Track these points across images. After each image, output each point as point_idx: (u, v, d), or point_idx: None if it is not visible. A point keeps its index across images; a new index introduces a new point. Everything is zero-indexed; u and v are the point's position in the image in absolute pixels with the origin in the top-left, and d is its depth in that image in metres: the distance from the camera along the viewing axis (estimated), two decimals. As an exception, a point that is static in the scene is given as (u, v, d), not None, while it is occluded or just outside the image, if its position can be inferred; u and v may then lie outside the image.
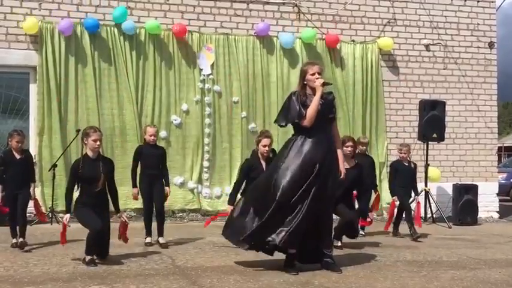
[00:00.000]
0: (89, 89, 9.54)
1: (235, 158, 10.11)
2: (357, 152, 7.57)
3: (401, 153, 8.39)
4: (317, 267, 5.56)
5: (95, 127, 6.10)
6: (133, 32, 9.70)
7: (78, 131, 8.26)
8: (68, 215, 5.78)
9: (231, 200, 6.57)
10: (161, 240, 6.96)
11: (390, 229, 8.28)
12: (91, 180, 5.79)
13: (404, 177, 8.26)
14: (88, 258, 5.65)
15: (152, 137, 7.05)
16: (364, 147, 8.24)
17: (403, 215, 8.23)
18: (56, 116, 9.33)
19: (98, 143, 5.89)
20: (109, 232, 5.95)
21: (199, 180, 9.93)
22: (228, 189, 8.85)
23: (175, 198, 9.53)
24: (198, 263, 5.86)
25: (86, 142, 5.90)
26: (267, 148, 6.61)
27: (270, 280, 5.11)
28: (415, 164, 8.53)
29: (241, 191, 6.66)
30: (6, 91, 9.64)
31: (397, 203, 8.24)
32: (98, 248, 5.82)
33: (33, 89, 9.62)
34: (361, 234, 7.63)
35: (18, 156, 6.71)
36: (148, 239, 6.99)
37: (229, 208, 6.42)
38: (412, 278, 5.39)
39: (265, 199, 5.42)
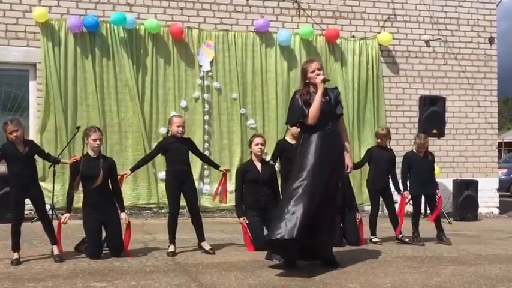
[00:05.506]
0: (89, 85, 9.53)
1: (235, 155, 10.10)
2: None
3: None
4: (317, 263, 5.55)
5: (95, 127, 6.13)
6: (132, 26, 9.67)
7: (78, 128, 8.25)
8: (67, 215, 5.87)
9: (239, 212, 6.58)
10: (206, 246, 6.25)
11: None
12: (90, 177, 5.85)
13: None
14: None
15: (180, 129, 6.24)
16: (379, 140, 7.40)
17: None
18: (57, 113, 9.32)
19: (98, 142, 5.95)
20: (120, 229, 5.99)
21: (200, 177, 9.91)
22: (228, 185, 8.80)
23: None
24: (199, 260, 5.85)
25: (86, 142, 5.99)
26: (259, 146, 6.63)
27: (271, 276, 5.11)
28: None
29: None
30: (6, 88, 9.64)
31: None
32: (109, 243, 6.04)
33: (32, 86, 9.62)
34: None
35: (21, 150, 5.62)
36: (171, 248, 6.10)
37: (242, 220, 6.45)
38: (413, 273, 5.39)
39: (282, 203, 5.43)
